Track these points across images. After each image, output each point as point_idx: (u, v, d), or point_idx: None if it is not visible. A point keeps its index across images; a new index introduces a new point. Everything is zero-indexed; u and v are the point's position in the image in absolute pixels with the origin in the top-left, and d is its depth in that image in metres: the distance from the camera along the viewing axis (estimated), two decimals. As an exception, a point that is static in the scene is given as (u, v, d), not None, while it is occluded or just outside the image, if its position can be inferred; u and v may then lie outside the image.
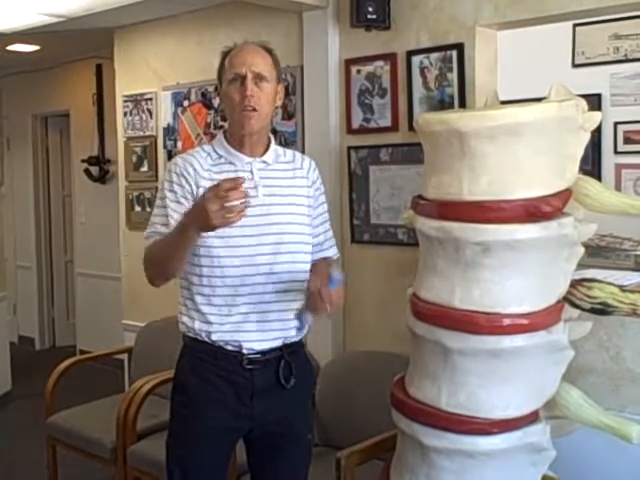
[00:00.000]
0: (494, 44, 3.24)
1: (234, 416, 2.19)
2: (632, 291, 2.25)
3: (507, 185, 2.24)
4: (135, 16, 4.41)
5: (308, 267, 2.22)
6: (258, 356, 2.18)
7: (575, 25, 3.62)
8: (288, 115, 3.84)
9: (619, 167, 3.63)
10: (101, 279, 6.25)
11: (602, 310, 2.28)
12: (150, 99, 4.64)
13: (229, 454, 2.35)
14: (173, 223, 2.10)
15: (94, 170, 6.19)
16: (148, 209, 4.62)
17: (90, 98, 6.17)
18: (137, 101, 4.73)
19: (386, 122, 3.45)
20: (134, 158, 4.78)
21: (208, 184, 2.14)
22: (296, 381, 2.22)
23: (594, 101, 3.43)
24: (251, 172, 2.19)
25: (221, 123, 4.13)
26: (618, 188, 3.56)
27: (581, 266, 2.40)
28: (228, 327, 2.16)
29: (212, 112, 4.28)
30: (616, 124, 3.61)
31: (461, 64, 3.16)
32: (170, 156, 4.41)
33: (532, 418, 2.34)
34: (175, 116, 4.49)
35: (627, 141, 3.60)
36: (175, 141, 4.51)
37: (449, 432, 2.30)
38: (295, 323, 2.23)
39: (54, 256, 7.15)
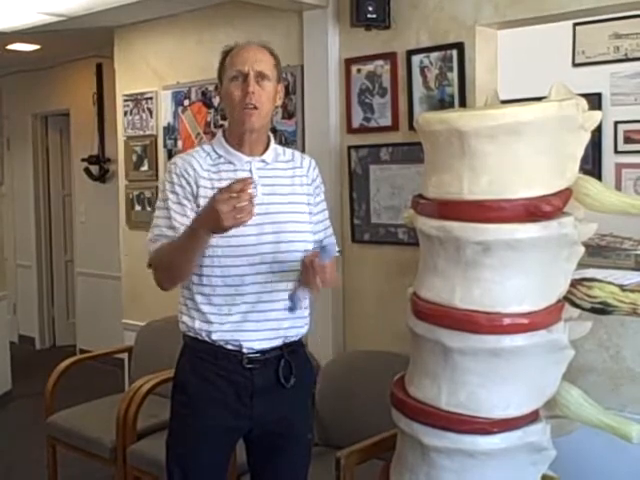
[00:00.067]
0: (494, 43, 3.24)
1: (234, 415, 2.19)
2: (632, 290, 2.25)
3: (507, 184, 2.24)
4: (135, 15, 4.41)
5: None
6: (258, 355, 2.18)
7: (575, 24, 3.61)
8: (288, 114, 3.84)
9: (619, 166, 3.62)
10: (101, 278, 6.25)
11: (602, 309, 2.28)
12: (150, 98, 4.64)
13: (229, 454, 2.35)
14: (176, 225, 2.12)
15: (94, 169, 6.19)
16: (148, 208, 4.62)
17: (90, 97, 6.17)
18: (137, 100, 4.73)
19: (386, 121, 3.45)
20: (134, 157, 4.78)
21: (208, 184, 2.15)
22: (296, 380, 2.22)
23: (594, 100, 3.43)
24: (250, 171, 2.19)
25: (221, 122, 4.13)
26: (618, 187, 3.56)
27: (581, 265, 2.40)
28: (228, 327, 2.16)
29: (212, 111, 4.28)
30: (616, 123, 3.61)
31: (461, 63, 3.16)
32: (170, 155, 4.41)
33: (532, 417, 2.34)
34: (175, 115, 4.49)
35: (627, 140, 3.60)
36: (175, 140, 4.51)
37: (449, 431, 2.31)
38: (297, 322, 2.23)
39: (54, 255, 7.16)
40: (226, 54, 2.21)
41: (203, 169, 2.18)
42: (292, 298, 2.14)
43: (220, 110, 4.13)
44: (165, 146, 4.58)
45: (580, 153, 2.37)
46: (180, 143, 4.47)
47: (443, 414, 2.32)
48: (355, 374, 3.33)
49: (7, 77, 6.89)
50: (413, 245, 2.90)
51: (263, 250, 2.14)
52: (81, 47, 5.76)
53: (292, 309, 2.16)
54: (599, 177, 3.44)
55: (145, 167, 4.72)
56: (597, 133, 3.45)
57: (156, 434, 3.36)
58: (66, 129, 6.78)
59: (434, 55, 3.25)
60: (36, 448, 4.11)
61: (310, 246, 2.23)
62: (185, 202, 2.15)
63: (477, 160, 2.26)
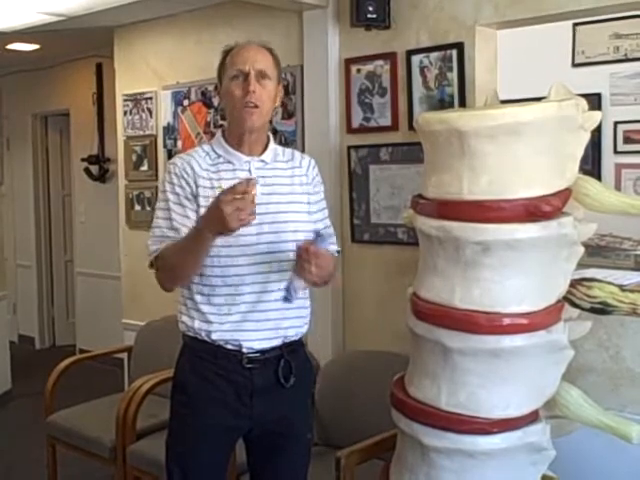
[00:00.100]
0: (494, 43, 3.24)
1: (234, 415, 2.19)
2: (632, 290, 2.25)
3: (507, 184, 2.24)
4: (135, 15, 4.41)
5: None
6: (258, 355, 2.18)
7: (575, 24, 3.62)
8: (288, 114, 3.84)
9: (619, 167, 3.63)
10: (101, 278, 6.25)
11: (602, 309, 2.28)
12: (150, 98, 4.64)
13: (229, 453, 2.35)
14: (177, 226, 2.13)
15: (94, 169, 6.19)
16: (148, 208, 4.62)
17: (90, 97, 6.17)
18: (137, 100, 4.73)
19: (386, 121, 3.45)
20: (134, 157, 4.78)
21: (207, 184, 2.16)
22: (296, 380, 2.22)
23: (594, 101, 3.43)
24: (249, 171, 2.20)
25: (221, 122, 4.13)
26: (618, 188, 3.56)
27: (581, 266, 2.40)
28: (228, 326, 2.16)
29: (212, 111, 4.28)
30: (616, 124, 3.61)
31: (461, 63, 3.16)
32: (170, 155, 4.41)
33: (532, 418, 2.34)
34: (175, 115, 4.49)
35: (627, 141, 3.60)
36: (175, 140, 4.51)
37: (449, 432, 2.30)
38: (297, 322, 2.23)
39: (54, 255, 7.16)
40: (226, 54, 2.21)
41: (202, 169, 2.18)
42: (287, 288, 2.11)
43: (220, 110, 4.13)
44: (165, 146, 4.58)
45: (580, 153, 2.37)
46: (180, 143, 4.47)
47: (443, 414, 2.32)
48: (355, 374, 3.33)
49: (7, 77, 6.89)
50: (413, 245, 2.90)
51: (262, 250, 2.14)
52: (81, 47, 5.76)
53: (287, 299, 2.11)
54: (599, 177, 3.44)
55: (145, 167, 4.72)
56: (597, 133, 3.45)
57: (156, 434, 3.36)
58: (66, 129, 6.78)
59: (434, 55, 3.25)
60: (36, 448, 4.11)
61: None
62: (186, 202, 2.16)
63: (477, 160, 2.26)
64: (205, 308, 2.17)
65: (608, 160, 3.64)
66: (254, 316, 2.16)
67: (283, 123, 3.86)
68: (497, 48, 3.25)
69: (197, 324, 2.19)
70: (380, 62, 3.45)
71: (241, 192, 1.87)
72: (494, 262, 2.26)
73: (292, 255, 2.14)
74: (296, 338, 2.26)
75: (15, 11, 4.14)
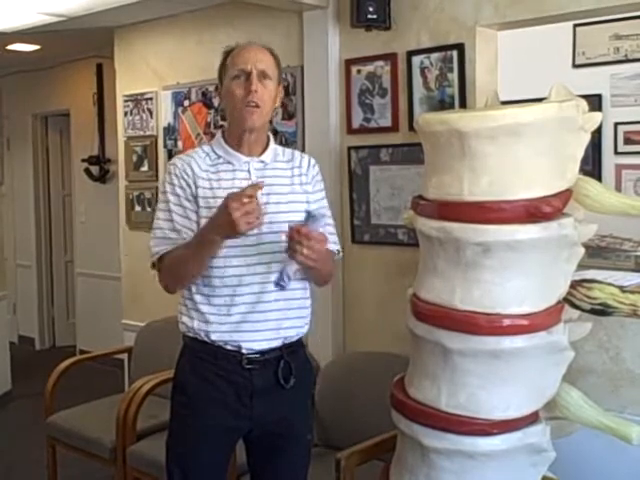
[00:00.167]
0: (494, 44, 3.24)
1: (234, 416, 2.19)
2: (632, 292, 2.24)
3: (507, 185, 2.24)
4: (135, 16, 4.41)
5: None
6: (257, 356, 2.18)
7: (575, 25, 3.62)
8: (288, 115, 3.84)
9: (619, 167, 3.63)
10: (101, 279, 6.26)
11: (602, 311, 2.27)
12: (150, 99, 4.64)
13: (229, 454, 2.35)
14: (179, 227, 2.15)
15: (94, 170, 6.20)
16: (148, 209, 4.62)
17: (90, 98, 6.17)
18: (137, 101, 4.73)
19: (386, 122, 3.45)
20: (134, 158, 4.78)
21: (206, 184, 2.17)
22: (296, 381, 2.22)
23: (594, 102, 3.44)
24: (248, 171, 2.20)
25: (221, 123, 4.13)
26: (618, 189, 3.56)
27: (581, 267, 2.39)
28: (227, 327, 2.16)
29: (212, 112, 4.28)
30: (616, 125, 3.61)
31: (461, 64, 3.16)
32: (170, 156, 4.41)
33: (532, 419, 2.34)
34: (175, 116, 4.49)
35: (627, 142, 3.60)
36: (175, 141, 4.51)
37: (449, 433, 2.30)
38: (297, 322, 2.23)
39: (54, 255, 7.16)
40: (227, 54, 2.22)
41: (202, 170, 2.19)
42: (280, 273, 2.06)
43: (220, 111, 4.13)
44: (165, 146, 4.58)
45: (580, 154, 2.37)
46: (180, 143, 4.47)
47: (443, 415, 2.32)
48: (355, 375, 3.33)
49: (7, 77, 6.90)
50: (413, 246, 2.90)
51: (262, 250, 2.14)
52: (81, 47, 5.76)
53: (279, 285, 2.06)
54: (599, 178, 3.44)
55: (145, 167, 4.72)
56: (597, 134, 3.46)
57: (156, 435, 3.36)
58: (66, 129, 6.78)
59: (434, 56, 3.25)
60: (36, 448, 4.11)
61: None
62: (186, 204, 2.17)
63: (477, 161, 2.26)
64: (205, 308, 2.17)
65: (608, 161, 3.64)
66: (254, 317, 2.16)
67: (283, 124, 3.86)
68: (497, 49, 3.25)
69: (197, 324, 2.19)
70: (380, 63, 3.45)
71: (249, 196, 1.91)
72: (494, 263, 2.26)
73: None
74: (297, 338, 2.26)
75: (15, 12, 4.15)
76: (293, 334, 2.23)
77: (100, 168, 6.18)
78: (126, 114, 4.82)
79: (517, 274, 2.27)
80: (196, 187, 2.17)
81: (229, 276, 2.14)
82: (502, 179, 2.25)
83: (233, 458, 2.73)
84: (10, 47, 5.57)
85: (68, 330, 7.01)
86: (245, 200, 1.91)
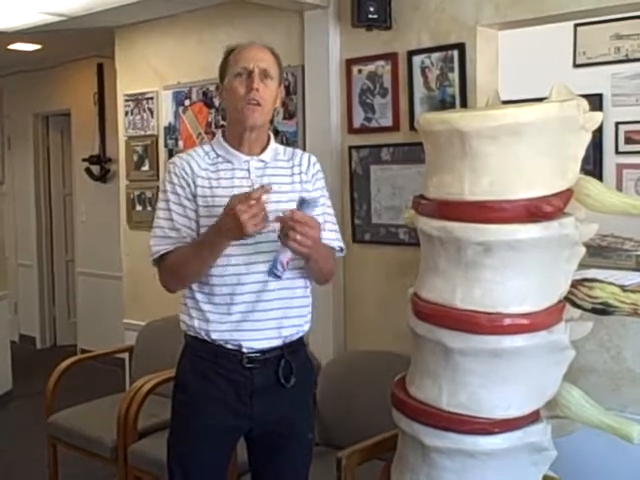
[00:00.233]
0: (495, 44, 3.24)
1: (234, 415, 2.19)
2: (633, 291, 2.25)
3: (508, 185, 2.24)
4: (136, 15, 4.41)
5: (309, 265, 2.22)
6: (258, 355, 2.18)
7: (576, 25, 3.62)
8: (289, 115, 3.85)
9: (620, 167, 3.63)
10: (102, 278, 6.26)
11: (603, 310, 2.28)
12: (151, 98, 4.64)
13: (230, 453, 2.35)
14: (178, 226, 2.16)
15: (95, 169, 6.20)
16: (149, 208, 4.62)
17: (91, 97, 6.18)
18: (138, 100, 4.73)
19: (387, 122, 3.45)
20: (135, 157, 4.78)
21: (206, 183, 2.17)
22: (296, 380, 2.22)
23: (595, 101, 3.44)
24: (248, 171, 2.21)
25: (222, 122, 4.13)
26: (619, 188, 3.56)
27: (582, 266, 2.40)
28: (227, 326, 2.16)
29: (213, 111, 4.28)
30: (617, 124, 3.61)
31: (462, 64, 3.16)
32: (171, 155, 4.41)
33: (533, 418, 2.34)
34: (176, 115, 4.50)
35: (628, 141, 3.60)
36: (176, 140, 4.52)
37: (450, 432, 2.30)
38: (297, 321, 2.23)
39: (55, 255, 7.16)
40: (229, 53, 2.23)
41: (201, 169, 2.20)
42: (273, 261, 2.01)
43: (221, 110, 4.13)
44: (166, 146, 4.58)
45: (581, 154, 2.37)
46: (181, 143, 4.47)
47: (444, 414, 2.32)
48: (356, 374, 3.33)
49: (8, 77, 6.90)
50: (414, 245, 2.90)
51: (261, 249, 2.14)
52: (82, 47, 5.76)
53: (273, 274, 2.02)
54: (600, 178, 3.44)
55: (146, 167, 4.72)
56: (598, 134, 3.46)
57: (157, 434, 3.36)
58: (67, 129, 6.78)
59: (435, 55, 3.25)
60: (37, 447, 4.12)
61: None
62: (186, 203, 2.18)
63: (478, 161, 2.26)
64: (205, 307, 2.18)
65: (609, 160, 3.64)
66: (254, 316, 2.16)
67: (284, 123, 3.87)
68: (498, 49, 3.25)
69: (197, 323, 2.19)
70: (381, 62, 3.45)
71: (256, 199, 1.93)
72: (495, 262, 2.26)
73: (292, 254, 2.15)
74: (297, 337, 2.26)
75: (16, 11, 4.15)
76: (294, 332, 2.23)
77: (101, 167, 6.18)
78: (127, 114, 4.82)
79: (518, 273, 2.27)
80: (195, 186, 2.17)
81: (228, 275, 2.14)
82: (503, 179, 2.25)
83: (234, 457, 2.73)
84: (11, 47, 5.57)
85: (69, 329, 7.01)
86: (252, 202, 1.92)
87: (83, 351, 6.09)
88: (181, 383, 2.28)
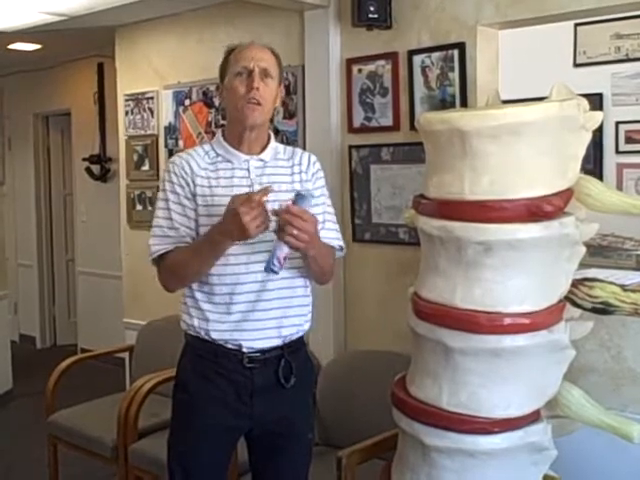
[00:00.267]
0: (495, 43, 3.24)
1: (234, 415, 2.19)
2: (634, 290, 2.25)
3: (509, 185, 2.24)
4: (136, 15, 4.41)
5: (308, 264, 2.22)
6: (258, 355, 2.18)
7: (576, 25, 3.61)
8: (289, 114, 3.84)
9: (620, 167, 3.62)
10: (102, 277, 6.26)
11: (603, 310, 2.28)
12: (151, 98, 4.64)
13: (230, 452, 2.35)
14: (177, 226, 2.16)
15: (95, 169, 6.20)
16: (149, 208, 4.62)
17: (91, 97, 6.18)
18: (138, 100, 4.73)
19: (387, 121, 3.45)
20: (135, 157, 4.78)
21: (205, 182, 2.18)
22: (296, 380, 2.22)
23: (595, 101, 3.43)
24: (248, 170, 2.20)
25: (222, 122, 4.13)
26: (620, 188, 3.55)
27: (583, 265, 2.40)
28: (227, 326, 2.16)
29: (213, 111, 4.28)
30: (617, 124, 3.60)
31: (462, 63, 3.16)
32: (171, 155, 4.41)
33: (533, 417, 2.34)
34: (176, 115, 4.50)
35: (629, 141, 3.59)
36: (176, 140, 4.51)
37: (450, 431, 2.30)
38: (297, 320, 2.23)
39: (55, 255, 7.17)
40: (230, 52, 2.23)
41: (200, 168, 2.20)
42: (270, 257, 1.99)
43: (221, 110, 4.13)
44: (166, 146, 4.58)
45: (581, 153, 2.37)
46: (181, 143, 4.47)
47: (444, 414, 2.32)
48: (356, 374, 3.33)
49: (8, 77, 6.90)
50: (414, 245, 2.90)
51: (260, 249, 2.13)
52: (82, 47, 5.76)
53: (267, 268, 2.00)
54: (600, 177, 3.43)
55: (146, 167, 4.72)
56: (598, 133, 3.45)
57: (157, 433, 3.36)
58: (67, 129, 6.78)
59: (435, 55, 3.25)
60: (37, 447, 4.12)
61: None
62: (185, 202, 2.18)
63: (478, 160, 2.26)
64: (205, 306, 2.18)
65: (610, 160, 3.63)
66: (254, 315, 2.16)
67: (284, 123, 3.87)
68: (498, 48, 3.25)
69: (196, 322, 2.19)
70: (381, 62, 3.45)
71: (258, 201, 1.92)
72: (496, 262, 2.26)
73: (291, 253, 2.14)
74: (297, 337, 2.26)
75: (16, 11, 4.14)
76: (294, 332, 2.23)
77: (101, 167, 6.19)
78: (127, 113, 4.82)
79: (518, 273, 2.27)
80: (194, 185, 2.17)
81: (227, 274, 2.14)
82: (503, 178, 2.25)
83: (234, 456, 2.73)
84: (11, 46, 5.57)
85: (69, 329, 7.01)
86: (253, 205, 1.92)
87: (83, 350, 6.09)
88: (181, 382, 2.28)
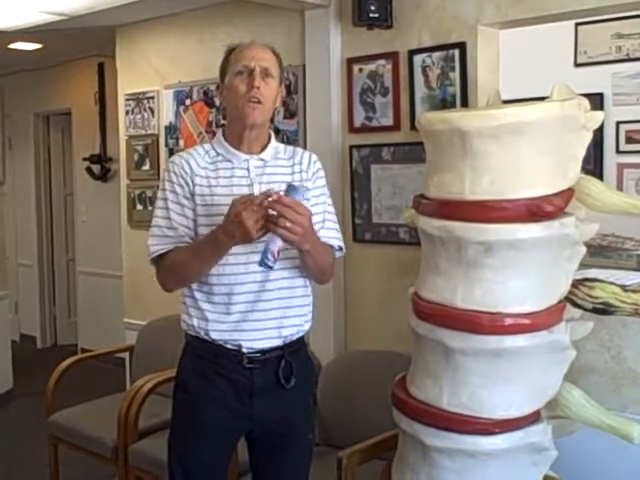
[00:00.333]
0: (496, 43, 3.24)
1: (234, 415, 2.19)
2: (634, 291, 2.24)
3: (509, 185, 2.24)
4: (137, 14, 4.41)
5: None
6: (258, 355, 2.17)
7: (577, 24, 3.61)
8: (290, 114, 3.84)
9: (621, 166, 3.62)
10: (102, 277, 6.26)
11: (604, 310, 2.27)
12: (152, 97, 4.64)
13: (230, 452, 2.35)
14: (176, 225, 2.16)
15: (96, 168, 6.21)
16: (150, 207, 4.62)
17: (92, 97, 6.18)
18: (139, 99, 4.73)
19: (388, 121, 3.44)
20: (136, 156, 4.78)
21: (204, 182, 2.17)
22: (297, 381, 2.22)
23: (596, 100, 3.42)
24: (247, 169, 2.20)
25: (222, 121, 4.13)
26: (620, 188, 3.55)
27: (583, 266, 2.39)
28: (227, 326, 2.16)
29: (214, 110, 4.28)
30: (618, 123, 3.60)
31: (463, 63, 3.16)
32: (172, 154, 4.39)
33: (534, 418, 2.34)
34: (177, 114, 4.49)
35: (629, 140, 3.59)
36: (177, 140, 4.51)
37: (451, 432, 2.30)
38: (297, 320, 2.23)
39: (55, 254, 7.17)
40: (230, 52, 2.23)
41: (200, 167, 2.19)
42: (264, 251, 1.96)
43: (222, 109, 4.13)
44: (167, 145, 4.58)
45: (582, 153, 2.36)
46: (182, 142, 4.47)
47: (445, 414, 2.32)
48: (356, 374, 3.33)
49: (9, 76, 6.90)
50: (414, 245, 2.90)
51: (259, 249, 2.11)
52: (83, 46, 5.76)
53: (261, 263, 1.97)
54: (601, 177, 3.43)
55: (147, 166, 4.72)
56: (599, 133, 3.44)
57: (157, 433, 3.36)
58: (68, 128, 6.78)
59: (436, 55, 3.24)
60: (37, 447, 4.12)
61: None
62: (184, 201, 2.18)
63: (479, 160, 2.26)
64: (204, 306, 2.18)
65: (610, 160, 3.63)
66: (254, 316, 2.16)
67: (285, 122, 3.86)
68: (499, 48, 3.25)
69: (196, 322, 2.19)
70: (382, 62, 3.44)
71: (259, 204, 1.92)
72: (496, 262, 2.25)
73: (291, 253, 2.13)
74: (298, 337, 2.25)
75: (17, 10, 4.14)
76: (294, 332, 2.23)
77: (101, 167, 6.19)
78: (127, 113, 4.82)
79: (519, 273, 2.27)
80: (193, 185, 2.17)
81: (226, 274, 2.14)
82: (504, 178, 2.25)
83: (235, 457, 2.73)
84: (12, 46, 5.57)
85: (69, 329, 7.01)
86: (255, 208, 1.92)
87: (83, 350, 6.09)
88: (182, 382, 2.28)
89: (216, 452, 2.24)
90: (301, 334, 2.27)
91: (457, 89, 3.19)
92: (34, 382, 5.18)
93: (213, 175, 2.19)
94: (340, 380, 3.37)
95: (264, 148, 2.24)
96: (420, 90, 3.31)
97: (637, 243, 2.99)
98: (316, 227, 2.19)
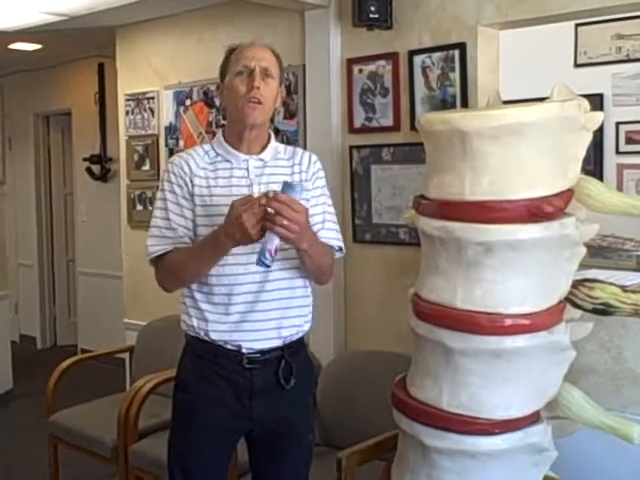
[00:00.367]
0: (496, 44, 3.24)
1: (233, 415, 2.19)
2: (634, 291, 2.24)
3: (509, 185, 2.24)
4: (137, 15, 4.41)
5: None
6: (258, 356, 2.17)
7: (577, 25, 3.62)
8: (290, 114, 3.84)
9: (621, 167, 3.63)
10: (102, 278, 6.26)
11: (604, 310, 2.27)
12: (152, 98, 4.64)
13: (230, 452, 2.35)
14: (175, 226, 2.16)
15: (96, 169, 6.21)
16: (150, 208, 4.62)
17: (92, 97, 6.18)
18: (139, 100, 4.73)
19: (388, 122, 3.45)
20: (136, 157, 4.78)
21: (203, 182, 2.17)
22: (297, 381, 2.22)
23: (596, 101, 3.43)
24: (247, 170, 2.20)
25: (222, 122, 4.13)
26: (620, 188, 3.56)
27: (583, 266, 2.39)
28: (227, 327, 2.16)
29: (214, 111, 4.28)
30: (618, 124, 3.61)
31: (463, 64, 3.16)
32: (172, 155, 4.39)
33: (533, 419, 2.34)
34: (177, 115, 4.49)
35: (629, 141, 3.60)
36: (177, 140, 4.51)
37: (451, 432, 2.30)
38: (297, 321, 2.23)
39: (55, 254, 7.17)
40: (230, 52, 2.23)
41: (199, 168, 2.19)
42: (261, 250, 1.95)
43: (222, 110, 4.13)
44: (167, 146, 4.58)
45: (582, 154, 2.36)
46: (182, 143, 4.47)
47: (444, 415, 2.32)
48: (356, 374, 3.33)
49: (9, 76, 6.90)
50: (414, 245, 2.90)
51: (258, 250, 2.12)
52: (83, 47, 5.76)
53: (259, 262, 1.95)
54: (601, 178, 3.44)
55: (147, 167, 4.72)
56: (599, 134, 3.45)
57: (157, 433, 3.36)
58: (68, 128, 6.78)
59: (436, 55, 3.24)
60: (37, 447, 4.12)
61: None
62: (183, 202, 2.18)
63: (479, 161, 2.26)
64: (204, 306, 2.18)
65: (610, 161, 3.64)
66: (253, 316, 2.16)
67: (285, 123, 3.87)
68: (499, 48, 3.25)
69: (196, 323, 2.19)
70: (382, 62, 3.45)
71: (260, 206, 1.91)
72: (496, 263, 2.25)
73: (290, 253, 2.13)
74: (298, 337, 2.25)
75: (17, 11, 4.15)
76: (294, 333, 2.23)
77: (101, 167, 6.19)
78: (127, 113, 4.82)
79: (518, 274, 2.27)
80: (192, 185, 2.17)
81: (226, 275, 2.14)
82: (504, 179, 2.25)
83: (234, 457, 2.73)
84: (12, 46, 5.57)
85: (69, 329, 7.01)
86: (256, 211, 1.92)
87: (83, 351, 6.10)
88: (182, 382, 2.28)
89: (216, 452, 2.24)
90: (301, 335, 2.27)
91: (457, 90, 3.19)
92: (34, 382, 5.18)
93: (212, 175, 2.19)
94: (340, 380, 3.37)
95: (264, 148, 2.24)
96: (420, 91, 3.32)
97: (637, 244, 3.00)
98: (316, 228, 2.20)
